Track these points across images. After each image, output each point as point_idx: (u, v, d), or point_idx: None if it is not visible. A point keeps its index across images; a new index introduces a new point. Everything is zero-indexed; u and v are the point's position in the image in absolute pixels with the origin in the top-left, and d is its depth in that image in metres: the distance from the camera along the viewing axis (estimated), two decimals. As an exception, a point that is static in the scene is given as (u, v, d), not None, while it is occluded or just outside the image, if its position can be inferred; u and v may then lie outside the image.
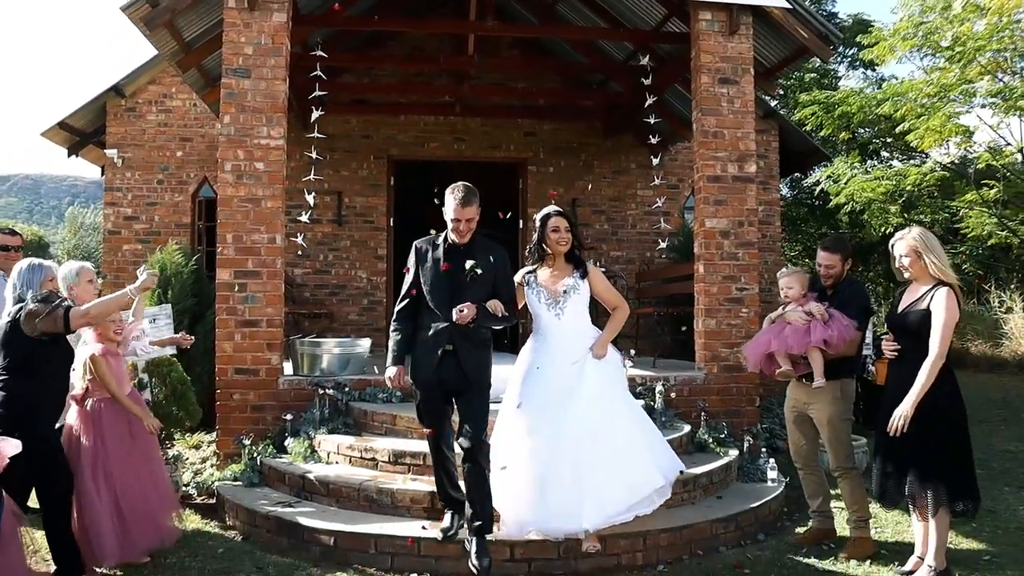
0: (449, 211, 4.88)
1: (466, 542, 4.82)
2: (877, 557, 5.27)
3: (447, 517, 5.14)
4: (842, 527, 5.69)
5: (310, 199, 8.77)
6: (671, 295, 10.09)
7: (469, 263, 4.85)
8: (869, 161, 18.22)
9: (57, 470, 4.77)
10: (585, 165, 12.26)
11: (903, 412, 4.64)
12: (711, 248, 7.63)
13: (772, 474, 6.59)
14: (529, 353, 5.23)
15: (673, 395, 7.28)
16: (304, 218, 8.95)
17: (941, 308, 4.65)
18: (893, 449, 4.81)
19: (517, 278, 5.26)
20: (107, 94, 11.55)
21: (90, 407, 5.11)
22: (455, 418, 5.02)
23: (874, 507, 5.61)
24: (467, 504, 4.87)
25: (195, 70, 8.79)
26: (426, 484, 5.46)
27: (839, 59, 22.99)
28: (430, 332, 4.88)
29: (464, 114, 11.78)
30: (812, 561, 5.25)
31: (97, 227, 43.42)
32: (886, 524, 6.01)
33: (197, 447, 7.97)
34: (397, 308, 5.08)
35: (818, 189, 16.73)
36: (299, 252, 10.13)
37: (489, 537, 4.83)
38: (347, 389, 7.03)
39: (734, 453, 6.74)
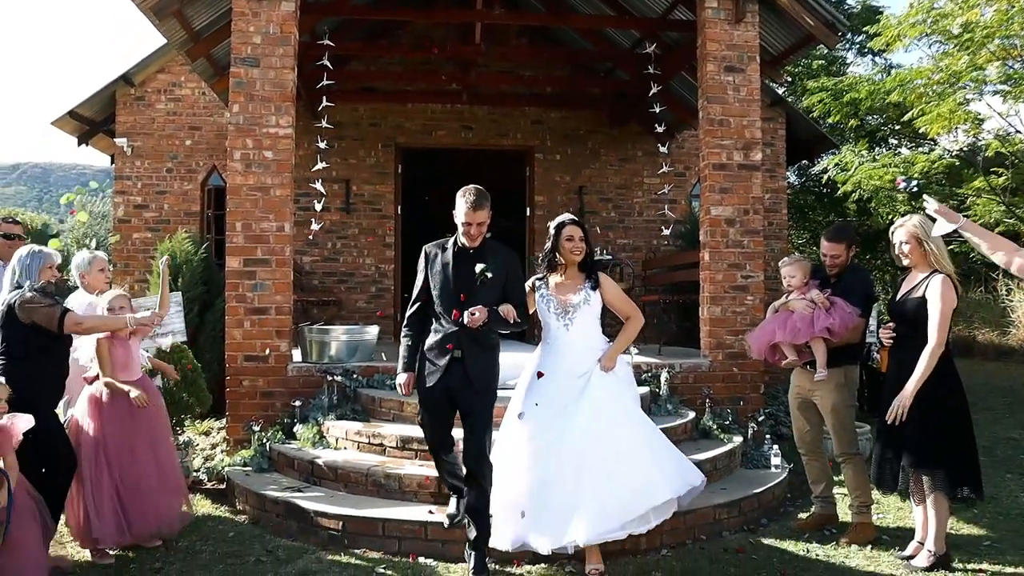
0: (460, 214, 4.77)
1: (465, 555, 4.81)
2: (878, 542, 5.34)
3: (452, 502, 5.16)
4: (844, 513, 5.75)
5: (320, 188, 8.82)
6: (677, 283, 10.13)
7: (479, 267, 4.77)
8: (877, 148, 18.15)
9: (58, 459, 4.85)
10: (592, 153, 12.28)
11: (902, 400, 4.68)
12: (716, 236, 7.67)
13: (776, 460, 6.66)
14: (536, 362, 5.11)
15: (678, 382, 7.35)
16: (318, 206, 9.00)
17: (936, 296, 4.70)
18: (892, 435, 4.87)
19: (528, 284, 5.12)
20: (116, 83, 11.60)
21: (96, 390, 5.20)
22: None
23: (876, 493, 5.67)
24: (468, 511, 4.82)
25: (204, 59, 8.83)
26: (433, 469, 5.53)
27: (848, 46, 22.87)
28: (438, 336, 4.82)
29: (471, 102, 11.81)
30: (814, 546, 5.31)
31: (105, 215, 43.53)
32: (888, 510, 6.06)
33: (207, 433, 8.06)
34: (408, 313, 5.03)
35: (825, 177, 16.68)
36: (311, 238, 10.21)
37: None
38: (355, 376, 7.10)
39: (738, 439, 6.81)
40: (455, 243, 4.90)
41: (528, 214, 12.25)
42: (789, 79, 20.32)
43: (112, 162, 12.49)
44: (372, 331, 7.81)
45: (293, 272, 7.44)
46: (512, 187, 12.28)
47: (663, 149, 9.46)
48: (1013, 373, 13.15)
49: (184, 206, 11.74)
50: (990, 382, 12.27)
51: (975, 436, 4.91)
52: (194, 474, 6.69)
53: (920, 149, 16.71)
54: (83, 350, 5.39)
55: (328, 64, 8.75)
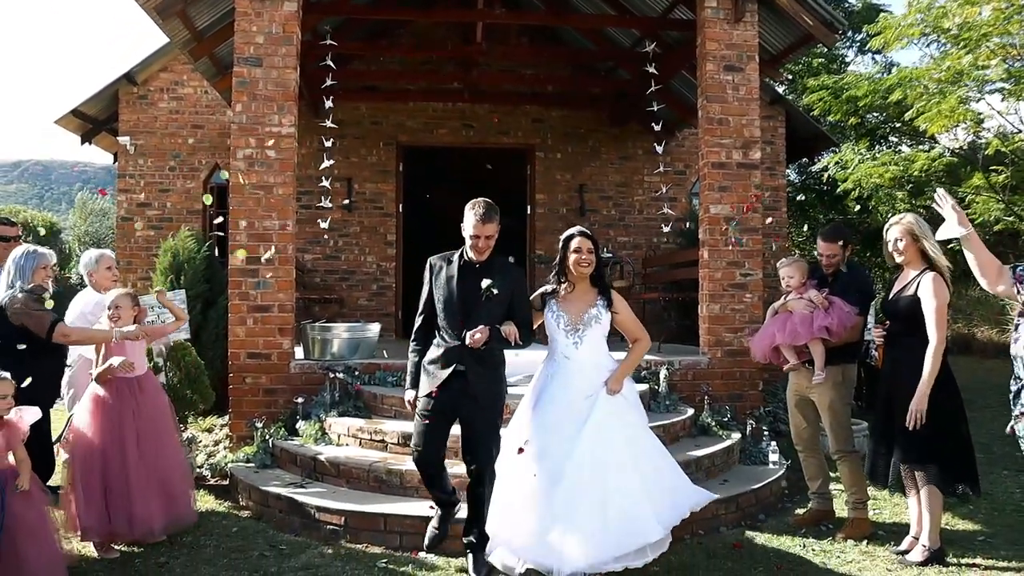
0: (468, 227, 4.64)
1: (465, 558, 4.80)
2: (874, 538, 5.40)
3: (435, 519, 4.91)
4: (841, 509, 5.81)
5: (327, 185, 8.90)
6: (677, 280, 10.19)
7: (485, 282, 4.58)
8: (877, 146, 18.19)
9: (52, 459, 4.90)
10: (592, 151, 12.33)
11: (919, 406, 4.70)
12: (715, 234, 7.73)
13: (774, 457, 6.72)
14: (541, 381, 4.91)
15: (677, 379, 7.41)
16: (327, 204, 9.06)
17: (930, 294, 4.77)
18: (886, 430, 4.95)
19: (536, 296, 4.98)
20: (119, 82, 11.67)
21: (99, 388, 5.25)
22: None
23: (872, 490, 5.73)
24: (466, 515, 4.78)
25: (207, 58, 8.91)
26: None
27: (848, 44, 22.89)
28: (440, 351, 4.67)
29: (472, 100, 11.86)
30: (810, 541, 5.38)
31: (106, 212, 43.62)
32: (884, 506, 6.13)
33: (210, 430, 8.12)
34: (415, 329, 4.90)
35: (826, 175, 16.74)
36: (325, 236, 10.28)
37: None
38: (357, 373, 7.16)
39: (736, 436, 6.87)
40: (461, 256, 4.75)
41: (529, 212, 12.31)
42: (789, 77, 20.35)
43: (115, 160, 12.55)
44: (374, 329, 7.87)
45: (295, 270, 7.49)
46: (513, 185, 12.35)
47: (660, 148, 9.50)
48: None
49: (187, 204, 11.81)
50: (989, 380, 12.30)
51: (970, 432, 4.98)
52: (197, 470, 6.75)
53: (920, 147, 16.75)
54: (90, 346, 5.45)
55: (331, 64, 8.81)
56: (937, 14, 12.06)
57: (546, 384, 4.84)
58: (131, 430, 5.15)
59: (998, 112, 14.17)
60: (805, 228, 19.27)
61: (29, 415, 4.50)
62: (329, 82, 8.79)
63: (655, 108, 9.30)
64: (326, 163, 8.68)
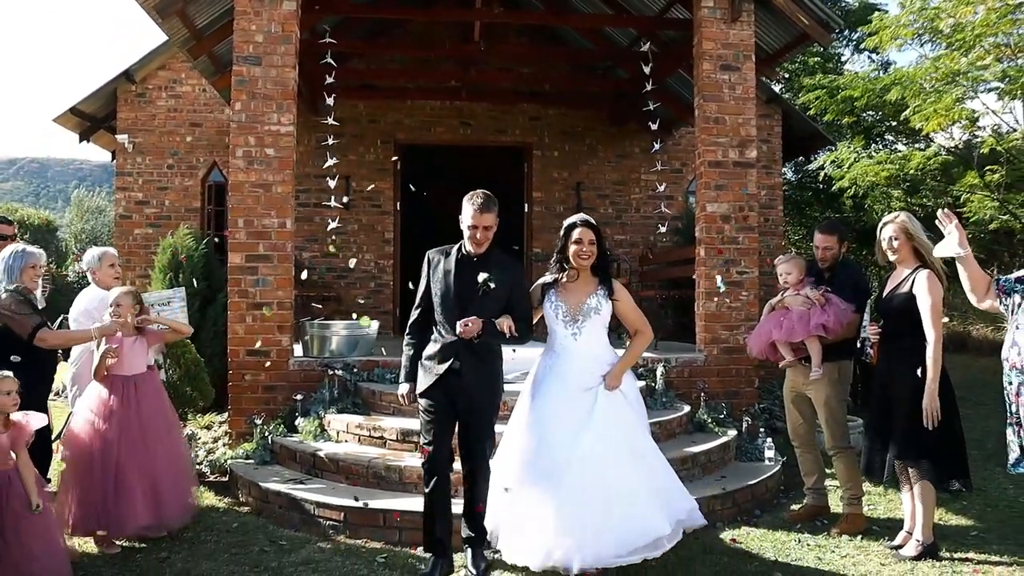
0: (466, 218, 4.58)
1: (463, 553, 4.79)
2: (868, 533, 5.47)
3: (431, 564, 4.69)
4: (836, 504, 5.88)
5: (332, 183, 8.99)
6: (673, 278, 10.24)
7: (482, 276, 4.53)
8: (873, 145, 18.25)
9: (49, 454, 4.92)
10: (590, 150, 12.38)
11: (931, 406, 4.73)
12: (712, 232, 7.78)
13: (769, 453, 6.78)
14: (539, 373, 4.82)
15: (674, 376, 7.47)
16: (334, 203, 9.18)
17: (925, 291, 4.82)
18: (882, 427, 5.01)
19: (536, 287, 4.89)
20: (118, 80, 11.71)
21: (98, 386, 5.28)
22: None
23: (867, 486, 5.79)
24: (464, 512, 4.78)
25: (206, 57, 8.93)
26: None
27: (844, 43, 22.97)
28: (437, 347, 4.63)
29: (470, 99, 11.90)
30: (806, 536, 5.43)
31: (103, 210, 43.56)
32: (878, 502, 6.19)
33: (208, 427, 8.16)
34: (410, 322, 4.86)
35: (822, 173, 16.80)
36: (332, 238, 10.34)
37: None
38: (355, 370, 7.21)
39: (732, 433, 6.93)
40: (459, 250, 4.70)
41: (526, 210, 12.35)
42: (786, 76, 20.40)
43: (113, 158, 12.58)
44: (372, 326, 7.90)
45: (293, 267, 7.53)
46: (510, 184, 12.38)
47: (657, 147, 9.57)
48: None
49: (185, 202, 11.85)
50: (983, 377, 12.39)
51: (963, 429, 5.04)
52: (197, 467, 6.79)
53: (916, 146, 16.81)
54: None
55: (332, 62, 8.83)
56: (930, 15, 12.13)
57: (544, 376, 4.75)
58: (130, 428, 5.16)
59: (993, 111, 14.24)
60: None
61: (36, 420, 4.53)
62: (330, 80, 8.81)
63: (652, 107, 9.35)
64: (330, 161, 8.70)
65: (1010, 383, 4.41)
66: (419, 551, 5.04)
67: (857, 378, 8.14)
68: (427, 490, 4.70)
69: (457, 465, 4.83)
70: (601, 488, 4.41)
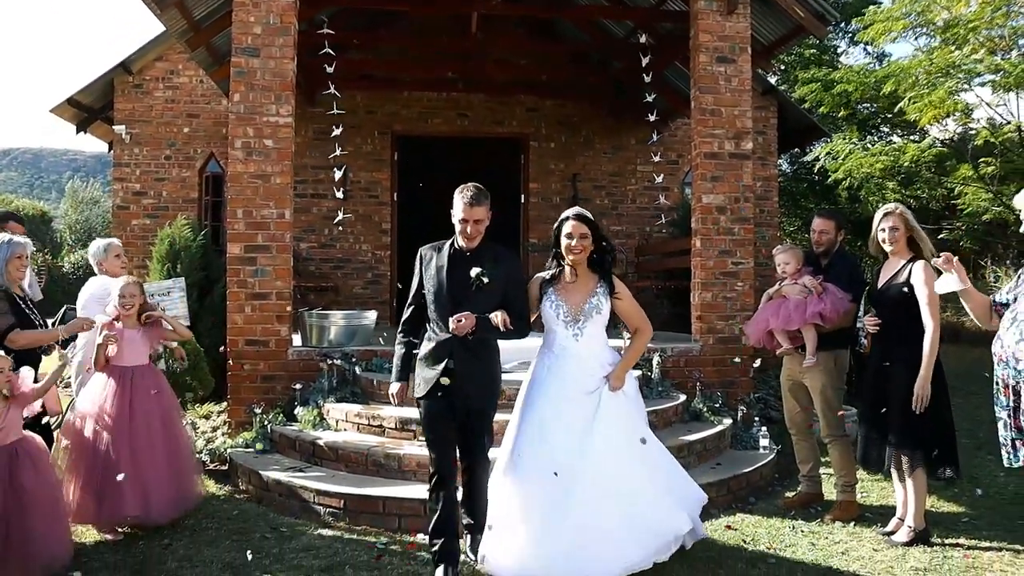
0: (457, 211, 4.46)
1: (462, 540, 4.73)
2: (861, 519, 5.54)
3: (439, 573, 4.48)
4: (829, 492, 5.96)
5: (338, 174, 9.11)
6: (669, 269, 10.30)
7: (475, 270, 4.40)
8: (869, 137, 18.33)
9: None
10: (586, 141, 12.43)
11: (922, 392, 4.84)
12: (708, 223, 7.84)
13: (764, 442, 6.86)
14: (538, 375, 4.63)
15: (670, 366, 7.53)
16: (339, 194, 9.24)
17: (922, 282, 4.91)
18: (877, 418, 5.09)
19: (533, 284, 4.70)
20: (115, 71, 11.72)
21: (100, 375, 5.33)
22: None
23: (860, 473, 5.87)
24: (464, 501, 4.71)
25: (203, 48, 8.94)
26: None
27: (840, 35, 23.01)
28: (431, 345, 4.50)
29: (467, 90, 11.94)
30: (799, 523, 5.51)
31: (97, 201, 43.46)
32: (871, 489, 6.27)
33: (207, 417, 8.21)
34: (402, 319, 4.72)
35: (817, 165, 16.87)
36: (340, 228, 10.39)
37: None
38: (354, 360, 7.26)
39: (728, 422, 7.01)
40: (452, 245, 4.56)
41: (523, 201, 12.40)
42: (782, 67, 20.45)
43: (110, 149, 12.59)
44: (370, 316, 7.96)
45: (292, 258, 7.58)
46: (507, 175, 12.44)
47: (655, 138, 9.61)
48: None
49: (182, 193, 11.88)
50: (976, 369, 12.43)
51: (955, 418, 5.11)
52: (197, 456, 6.83)
53: (911, 138, 16.89)
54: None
55: (332, 52, 8.86)
56: (921, 7, 12.20)
57: (544, 378, 4.57)
58: (127, 419, 5.20)
59: (987, 103, 14.32)
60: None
61: (27, 377, 4.58)
62: (329, 70, 8.85)
63: (649, 99, 9.40)
64: (337, 152, 8.76)
65: (996, 377, 4.47)
66: (419, 537, 5.10)
67: (851, 368, 8.22)
68: (435, 506, 4.53)
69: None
70: (614, 496, 4.28)
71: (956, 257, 4.60)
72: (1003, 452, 4.39)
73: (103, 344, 5.23)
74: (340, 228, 10.55)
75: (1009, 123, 14.64)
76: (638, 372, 7.16)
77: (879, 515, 5.59)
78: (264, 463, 6.28)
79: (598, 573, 4.19)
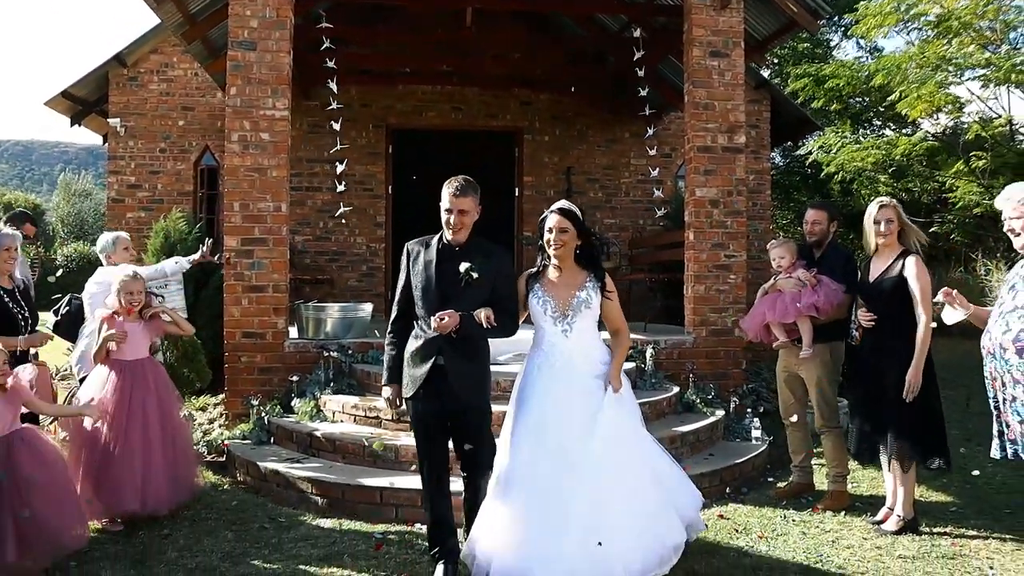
0: (444, 202, 4.33)
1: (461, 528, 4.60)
2: (851, 509, 5.63)
3: (437, 572, 4.40)
4: (821, 482, 6.04)
5: (340, 167, 9.18)
6: (663, 261, 10.37)
7: (464, 266, 4.25)
8: (861, 130, 18.43)
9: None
10: (580, 134, 12.48)
11: (914, 380, 4.94)
12: (701, 216, 7.90)
13: (756, 433, 6.94)
14: (528, 374, 4.44)
15: (663, 358, 7.61)
16: (341, 187, 9.29)
17: (914, 275, 5.01)
18: (869, 410, 5.18)
19: (520, 283, 4.51)
20: (109, 64, 11.73)
21: (101, 369, 5.37)
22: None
23: (851, 464, 5.96)
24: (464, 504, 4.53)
25: (199, 41, 8.95)
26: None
27: (833, 29, 23.09)
28: (419, 343, 4.33)
29: (462, 84, 11.97)
30: (791, 512, 5.60)
31: (90, 193, 43.32)
32: (862, 480, 6.35)
33: (203, 409, 8.25)
34: (391, 319, 4.56)
35: (810, 159, 16.96)
36: (343, 221, 10.45)
37: None
38: (350, 352, 7.32)
39: (720, 413, 7.09)
40: (440, 239, 4.41)
41: (517, 195, 12.45)
42: (775, 61, 20.52)
43: (104, 142, 12.60)
44: (366, 308, 8.02)
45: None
46: (502, 169, 12.49)
47: (650, 132, 9.66)
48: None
49: (177, 186, 11.91)
50: (966, 361, 12.54)
51: (943, 410, 5.20)
52: (194, 447, 6.88)
53: (904, 131, 16.99)
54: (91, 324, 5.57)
55: (332, 47, 8.89)
56: (913, 1, 12.28)
57: (535, 379, 4.37)
58: (128, 414, 5.24)
59: (978, 97, 14.42)
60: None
61: (24, 373, 4.63)
62: (329, 64, 8.88)
63: (643, 93, 9.45)
64: (337, 146, 8.81)
65: (985, 372, 4.54)
66: (416, 527, 5.17)
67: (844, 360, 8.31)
68: (428, 505, 4.51)
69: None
70: (616, 505, 4.08)
71: (955, 291, 4.74)
72: (995, 444, 4.48)
73: (106, 340, 5.26)
74: (343, 220, 10.58)
75: (1000, 117, 14.76)
76: (631, 364, 7.24)
77: (869, 505, 5.69)
78: (262, 454, 6.33)
79: None
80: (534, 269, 4.53)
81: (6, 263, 5.15)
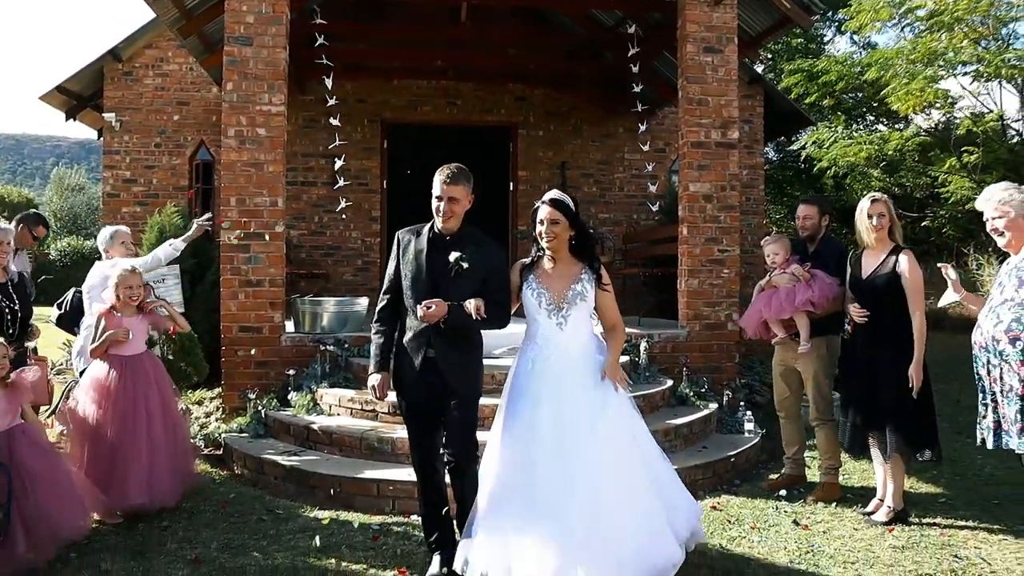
0: (435, 189, 4.22)
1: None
2: (843, 501, 5.70)
3: (434, 563, 4.36)
4: (813, 475, 6.11)
5: (339, 162, 9.26)
6: (656, 256, 10.43)
7: (454, 255, 4.17)
8: (854, 125, 18.50)
9: None
10: (574, 129, 12.54)
11: (917, 375, 5.04)
12: (694, 211, 7.96)
13: (749, 426, 7.01)
14: (521, 369, 4.31)
15: (657, 351, 7.67)
16: (342, 182, 9.42)
17: (907, 271, 5.09)
18: (861, 404, 5.25)
19: (514, 270, 4.43)
20: (104, 58, 11.75)
21: (99, 365, 5.40)
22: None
23: (843, 457, 6.02)
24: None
25: (195, 36, 8.97)
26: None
27: (827, 24, 23.16)
28: (410, 335, 4.26)
29: (457, 79, 12.03)
30: (783, 503, 5.67)
31: (83, 188, 43.22)
32: (853, 471, 6.42)
33: (200, 403, 8.28)
34: (378, 307, 4.46)
35: (803, 153, 17.04)
36: (344, 216, 10.49)
37: None
38: (347, 346, 7.36)
39: (714, 406, 7.15)
40: (431, 229, 4.32)
41: (511, 189, 12.50)
42: (769, 56, 20.58)
43: (99, 137, 12.61)
44: (362, 302, 8.06)
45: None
46: (497, 164, 12.53)
47: (643, 128, 9.72)
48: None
49: (172, 180, 11.94)
50: (958, 355, 12.64)
51: (935, 404, 5.27)
52: (191, 441, 6.92)
53: (896, 127, 17.08)
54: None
55: (326, 44, 8.92)
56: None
57: (528, 374, 4.25)
58: (128, 408, 5.27)
59: (970, 92, 14.50)
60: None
61: (29, 374, 4.67)
62: (324, 62, 8.90)
63: (637, 88, 9.50)
64: (337, 142, 8.85)
65: (976, 367, 4.59)
66: (412, 518, 5.22)
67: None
68: (423, 498, 4.50)
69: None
70: (620, 502, 3.93)
71: (950, 265, 4.83)
72: (989, 435, 4.50)
73: (109, 338, 5.30)
74: (343, 216, 10.63)
75: (991, 112, 14.84)
76: (626, 358, 7.30)
77: (860, 496, 5.75)
78: (259, 447, 6.38)
79: None
80: (528, 259, 4.44)
81: (1, 257, 5.17)
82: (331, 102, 8.94)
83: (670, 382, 7.33)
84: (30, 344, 5.54)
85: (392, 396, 4.53)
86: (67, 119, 12.38)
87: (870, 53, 15.00)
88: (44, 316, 7.15)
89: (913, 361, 5.03)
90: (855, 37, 22.37)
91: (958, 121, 14.99)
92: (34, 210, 7.17)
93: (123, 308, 5.45)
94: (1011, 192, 4.41)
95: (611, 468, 3.99)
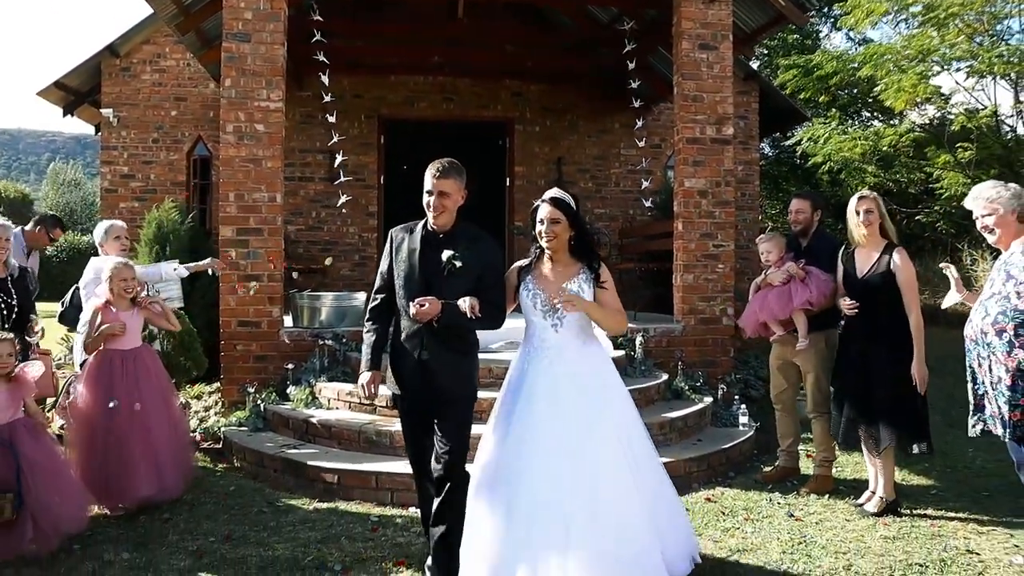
0: (425, 183, 4.10)
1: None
2: (835, 492, 5.78)
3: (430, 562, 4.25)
4: (806, 467, 6.19)
5: (339, 158, 9.35)
6: (652, 251, 10.49)
7: (447, 253, 4.03)
8: (849, 121, 18.57)
9: None
10: (571, 125, 12.58)
11: (921, 373, 5.14)
12: (690, 207, 8.02)
13: (743, 419, 7.08)
14: (517, 372, 4.22)
15: (652, 346, 7.74)
16: (343, 178, 9.50)
17: (901, 268, 5.18)
18: (856, 398, 5.33)
19: (511, 272, 4.32)
20: (102, 54, 11.77)
21: (95, 361, 5.44)
22: None
23: (837, 450, 6.10)
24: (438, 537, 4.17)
25: (192, 32, 9.01)
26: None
27: (823, 20, 23.22)
28: (403, 335, 4.17)
29: (453, 75, 12.06)
30: (776, 495, 5.74)
31: (79, 183, 43.17)
32: (846, 464, 6.50)
33: (198, 397, 8.34)
34: (370, 306, 4.37)
35: (799, 149, 17.10)
36: (344, 211, 10.56)
37: None
38: (345, 340, 7.42)
39: (708, 400, 7.23)
40: (424, 226, 4.19)
41: (508, 185, 12.55)
42: (764, 52, 20.63)
43: (97, 132, 12.64)
44: (360, 297, 8.12)
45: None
46: (493, 159, 12.58)
47: (640, 124, 9.77)
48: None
49: (170, 176, 11.97)
50: (953, 350, 12.71)
51: (928, 398, 5.34)
52: (191, 434, 6.98)
53: (891, 122, 17.14)
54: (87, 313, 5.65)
55: (323, 40, 8.95)
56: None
57: (523, 377, 4.14)
58: (130, 401, 5.32)
59: (964, 88, 14.57)
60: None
61: (34, 369, 4.72)
62: (321, 59, 8.93)
63: (633, 84, 9.55)
64: (335, 139, 8.91)
65: (968, 361, 4.66)
66: (411, 511, 5.29)
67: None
68: (422, 496, 4.42)
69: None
70: (613, 527, 3.79)
71: (952, 266, 4.96)
72: (996, 424, 4.54)
73: (105, 331, 5.35)
74: (344, 211, 10.69)
75: (985, 108, 14.90)
76: (621, 352, 7.37)
77: (852, 488, 5.83)
78: (258, 440, 6.45)
79: None
80: (526, 261, 4.34)
81: None
82: (328, 98, 8.96)
83: (665, 376, 7.40)
84: (32, 340, 5.58)
85: (386, 390, 4.46)
86: (65, 115, 12.40)
87: (865, 49, 15.04)
88: (46, 312, 7.20)
89: (915, 360, 5.12)
90: (850, 34, 22.46)
91: (952, 117, 15.06)
92: (51, 212, 7.27)
93: (118, 301, 5.48)
94: (999, 190, 4.48)
95: (610, 468, 3.90)
